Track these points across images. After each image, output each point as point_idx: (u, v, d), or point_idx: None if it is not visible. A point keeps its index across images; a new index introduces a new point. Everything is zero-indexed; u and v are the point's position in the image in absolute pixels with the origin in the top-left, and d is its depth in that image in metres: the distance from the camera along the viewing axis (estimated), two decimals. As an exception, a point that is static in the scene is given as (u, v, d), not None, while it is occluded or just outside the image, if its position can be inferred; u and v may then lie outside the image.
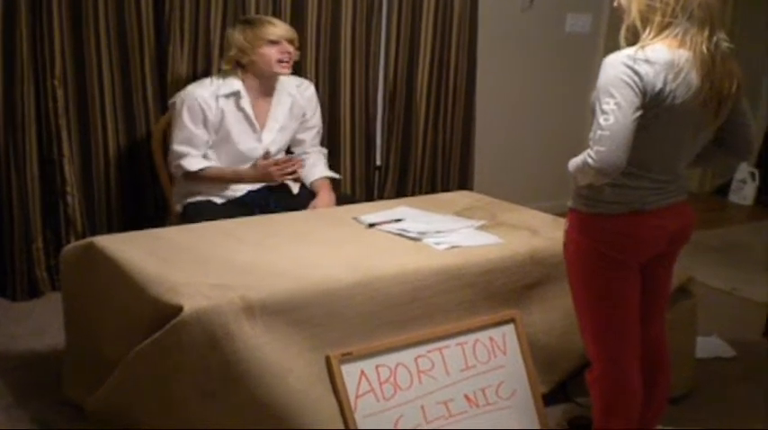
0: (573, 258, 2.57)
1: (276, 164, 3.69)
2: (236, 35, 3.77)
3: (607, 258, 2.50)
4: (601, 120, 2.32)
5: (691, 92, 2.37)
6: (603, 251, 2.49)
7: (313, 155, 4.05)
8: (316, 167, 4.01)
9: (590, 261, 2.52)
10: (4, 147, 3.84)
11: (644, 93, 2.32)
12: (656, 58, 2.34)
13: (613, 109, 2.31)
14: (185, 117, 3.71)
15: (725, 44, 2.42)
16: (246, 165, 3.81)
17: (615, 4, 2.51)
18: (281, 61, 3.75)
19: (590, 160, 2.34)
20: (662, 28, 2.38)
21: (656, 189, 2.48)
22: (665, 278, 2.72)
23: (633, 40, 2.43)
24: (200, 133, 3.71)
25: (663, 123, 2.38)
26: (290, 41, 3.79)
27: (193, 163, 3.71)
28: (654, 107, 2.34)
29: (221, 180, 3.76)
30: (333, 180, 4.04)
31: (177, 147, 3.73)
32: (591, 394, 2.67)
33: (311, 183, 3.95)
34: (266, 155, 3.79)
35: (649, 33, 2.39)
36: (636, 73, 2.31)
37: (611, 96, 2.31)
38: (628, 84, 2.31)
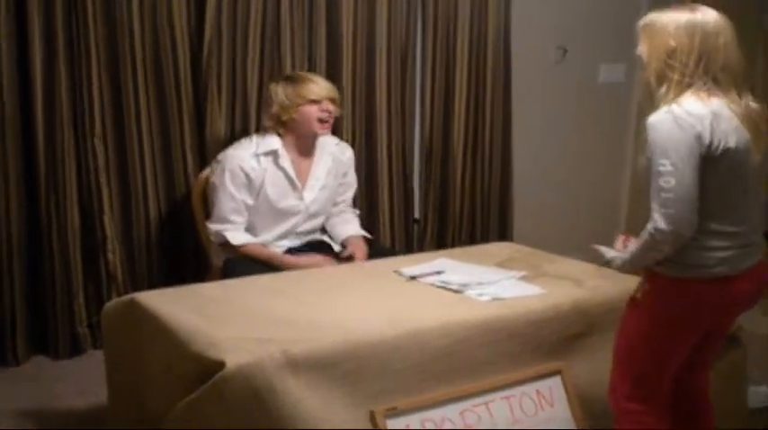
0: (644, 318, 2.52)
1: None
2: (279, 92, 3.77)
3: (685, 324, 2.47)
4: (661, 182, 2.30)
5: (743, 139, 2.35)
6: (684, 318, 2.46)
7: (347, 213, 4.03)
8: (349, 224, 3.99)
9: (665, 325, 2.49)
10: (45, 203, 3.88)
11: (698, 147, 2.30)
12: (695, 109, 2.32)
13: (670, 170, 2.29)
14: (228, 182, 3.68)
15: (754, 105, 2.41)
16: (288, 223, 3.80)
17: (638, 52, 2.51)
18: (321, 120, 3.74)
19: (662, 224, 2.31)
20: (682, 87, 2.37)
21: (740, 247, 2.44)
22: (726, 331, 2.70)
23: (650, 94, 2.43)
24: (243, 198, 3.69)
25: (724, 171, 2.36)
26: (332, 100, 3.78)
27: (237, 236, 3.68)
28: (711, 156, 2.32)
29: (257, 259, 3.68)
30: (366, 239, 3.97)
31: (221, 214, 3.70)
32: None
33: (344, 241, 3.91)
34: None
35: (668, 92, 2.37)
36: (683, 128, 2.30)
37: (666, 157, 2.30)
38: (679, 140, 2.29)
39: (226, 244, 3.71)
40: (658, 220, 2.32)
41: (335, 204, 3.99)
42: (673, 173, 2.29)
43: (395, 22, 4.65)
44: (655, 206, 2.33)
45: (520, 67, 5.18)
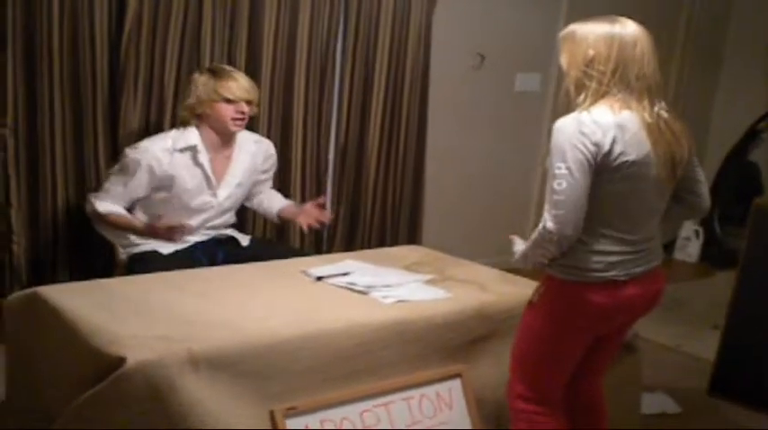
0: (539, 320, 2.59)
1: (168, 229, 3.58)
2: (199, 83, 3.76)
3: (577, 326, 2.54)
4: (554, 184, 2.37)
5: (643, 152, 2.42)
6: (575, 320, 2.53)
7: (267, 191, 4.15)
8: (275, 198, 4.14)
9: (557, 327, 2.56)
10: (-50, 195, 3.81)
11: (595, 154, 2.36)
12: (602, 119, 2.39)
13: (565, 173, 2.36)
14: (128, 172, 3.67)
15: (665, 114, 2.49)
16: (198, 218, 3.79)
17: (560, 61, 2.58)
18: (234, 119, 3.74)
19: (549, 224, 2.38)
20: (598, 96, 2.44)
21: (632, 253, 2.51)
22: (621, 337, 2.78)
23: (569, 102, 2.50)
24: (134, 193, 3.70)
25: (622, 180, 2.43)
26: (248, 102, 3.77)
27: (104, 205, 3.69)
28: (608, 165, 2.39)
29: (116, 226, 3.72)
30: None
31: (106, 192, 3.72)
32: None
33: (279, 212, 4.06)
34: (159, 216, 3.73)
35: (585, 100, 2.44)
36: (584, 135, 2.36)
37: (563, 161, 2.36)
38: (577, 147, 2.36)
39: (93, 212, 3.72)
40: (547, 220, 2.40)
41: (253, 195, 4.08)
42: (566, 176, 2.36)
43: (317, 24, 4.66)
44: (546, 206, 2.41)
45: (438, 72, 5.23)
